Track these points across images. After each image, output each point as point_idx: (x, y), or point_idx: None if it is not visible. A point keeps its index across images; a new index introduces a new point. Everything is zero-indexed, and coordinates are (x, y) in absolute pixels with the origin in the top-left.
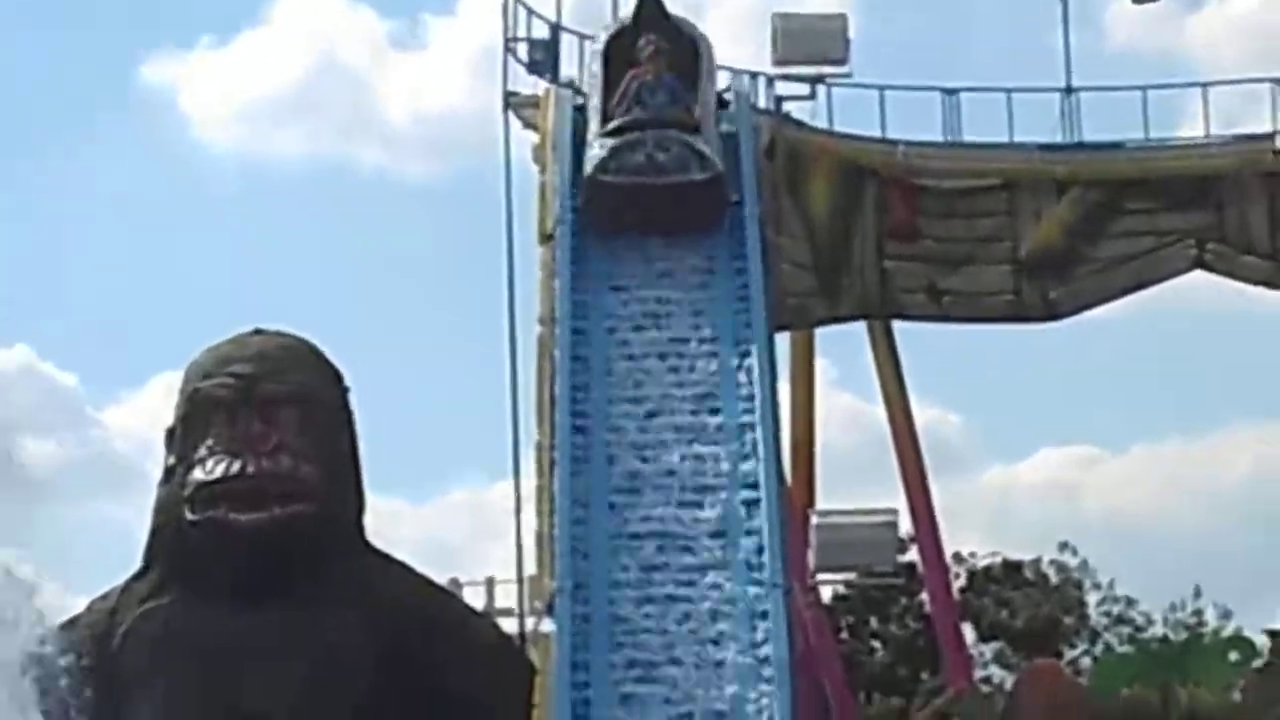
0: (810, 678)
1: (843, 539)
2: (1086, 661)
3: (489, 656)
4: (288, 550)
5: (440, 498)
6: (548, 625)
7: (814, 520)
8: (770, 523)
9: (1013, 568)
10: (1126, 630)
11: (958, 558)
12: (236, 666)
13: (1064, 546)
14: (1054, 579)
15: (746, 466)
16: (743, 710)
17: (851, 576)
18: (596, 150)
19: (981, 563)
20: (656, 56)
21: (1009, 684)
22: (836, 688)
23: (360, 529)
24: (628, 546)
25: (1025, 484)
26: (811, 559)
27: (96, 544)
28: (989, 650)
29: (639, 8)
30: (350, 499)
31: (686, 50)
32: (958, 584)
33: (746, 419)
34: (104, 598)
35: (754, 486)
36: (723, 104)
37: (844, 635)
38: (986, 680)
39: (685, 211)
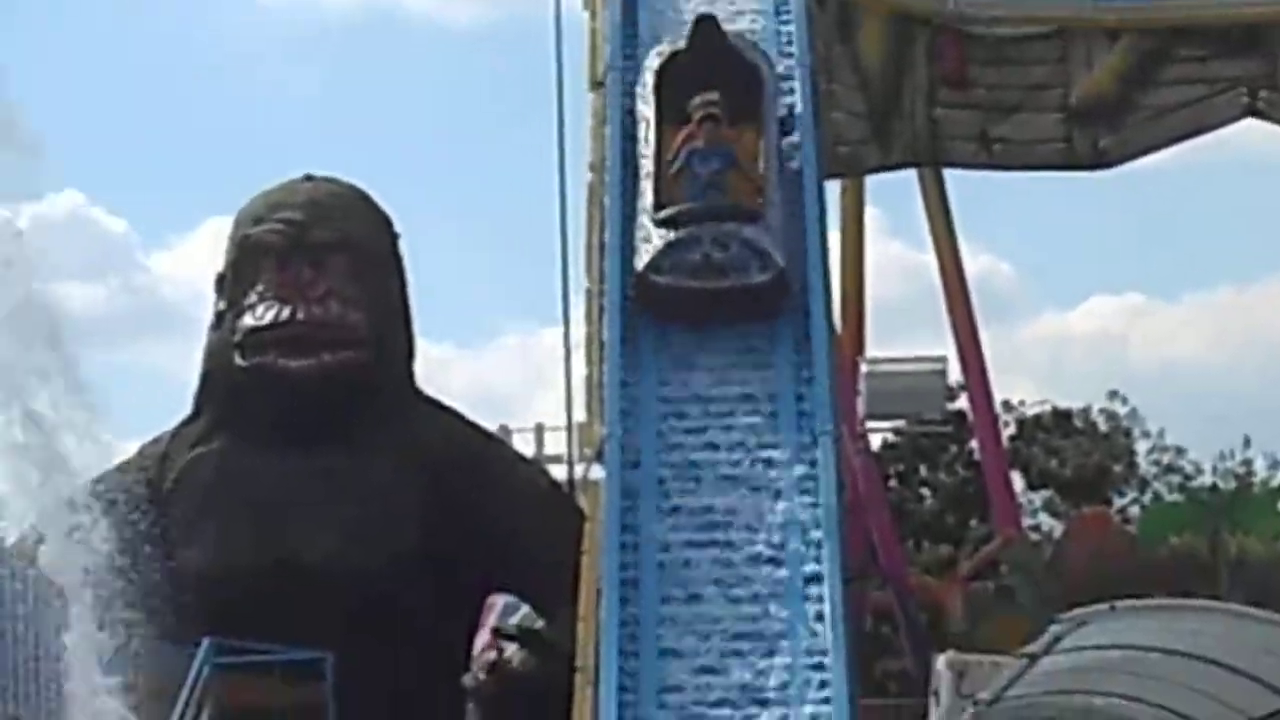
0: (859, 525)
1: (892, 387)
2: (1135, 510)
3: (538, 504)
4: (337, 397)
5: (490, 344)
6: (596, 472)
7: (863, 368)
8: (819, 370)
9: (1062, 416)
10: (1175, 479)
11: (1007, 406)
12: (285, 512)
13: (1114, 395)
14: (1103, 428)
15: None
16: (791, 556)
17: (901, 424)
18: (651, 241)
19: (1031, 411)
20: (709, 120)
21: (1057, 532)
22: (885, 535)
23: (410, 376)
24: (678, 397)
25: (1076, 333)
26: (861, 407)
27: (146, 390)
28: (1038, 498)
29: (694, 33)
30: (400, 346)
31: (745, 76)
32: (1007, 432)
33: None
34: (155, 442)
35: (804, 337)
36: (786, 126)
37: (893, 483)
38: (1035, 528)
39: (744, 310)
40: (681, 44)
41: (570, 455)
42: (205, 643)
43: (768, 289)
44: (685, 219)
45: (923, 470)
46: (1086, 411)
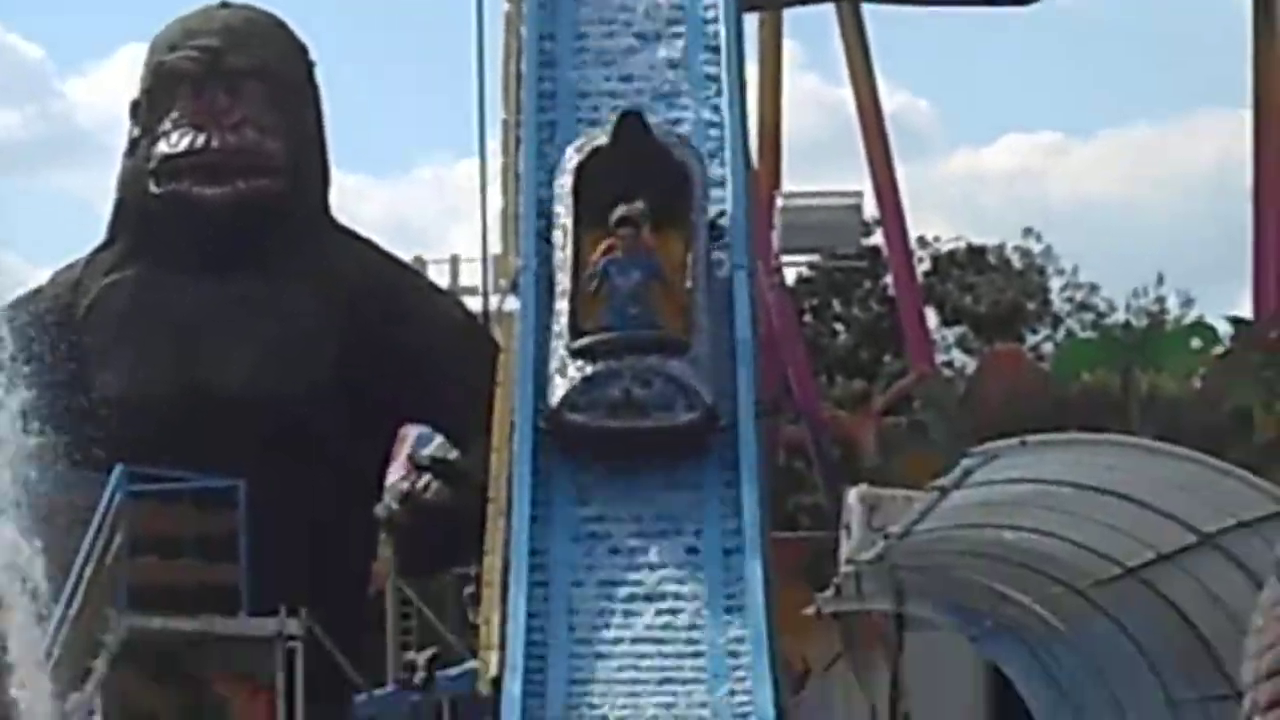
0: (773, 360)
1: (807, 221)
2: (1049, 347)
3: (453, 334)
4: (252, 224)
5: (405, 175)
6: (511, 303)
7: (779, 202)
8: (735, 205)
9: (977, 253)
10: (1089, 316)
11: (922, 242)
12: (199, 338)
13: (1028, 232)
14: (1018, 264)
15: (711, 147)
16: None
17: (815, 259)
18: (566, 373)
19: (946, 247)
20: (628, 225)
21: (971, 368)
22: (799, 370)
23: (325, 205)
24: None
25: (991, 169)
26: (776, 241)
27: (58, 216)
28: (951, 335)
29: (617, 126)
30: (315, 174)
31: (675, 175)
32: (921, 268)
33: (713, 101)
34: (68, 269)
35: (720, 168)
36: (716, 232)
37: (807, 318)
38: (949, 364)
39: (668, 450)
40: (603, 139)
41: (485, 287)
42: (117, 470)
43: (694, 428)
44: (604, 350)
45: (837, 305)
46: (1001, 248)
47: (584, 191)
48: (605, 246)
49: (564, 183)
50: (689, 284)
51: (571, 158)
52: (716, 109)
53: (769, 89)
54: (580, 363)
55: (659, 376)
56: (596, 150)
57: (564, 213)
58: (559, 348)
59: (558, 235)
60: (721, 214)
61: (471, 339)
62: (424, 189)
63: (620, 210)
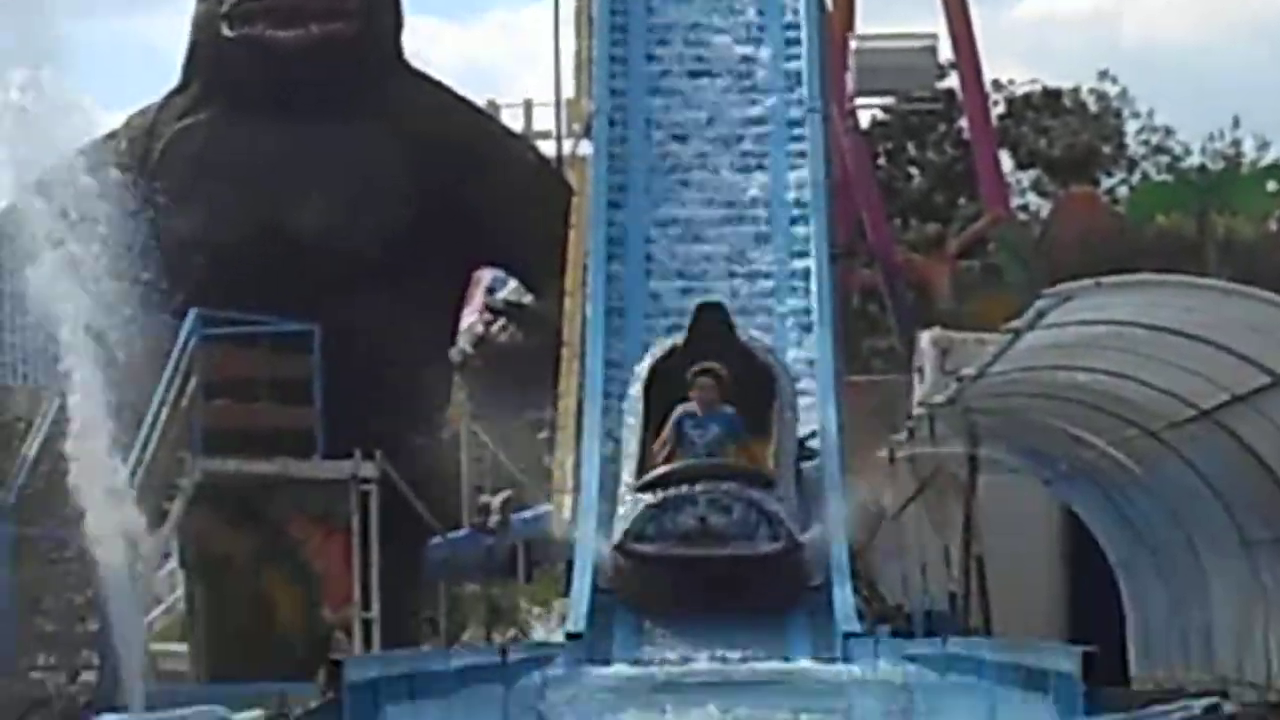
0: (847, 203)
1: (882, 63)
2: (1123, 190)
3: (527, 179)
4: (325, 68)
5: (477, 18)
6: (585, 147)
7: (853, 44)
8: (809, 46)
9: (1052, 95)
10: (1164, 160)
11: (997, 85)
12: (273, 181)
13: (1104, 75)
14: (1093, 108)
15: None
16: (779, 222)
17: (890, 101)
18: (627, 508)
19: (1020, 90)
20: (711, 387)
21: (1045, 212)
22: (873, 213)
23: (399, 49)
24: (665, 71)
25: (1066, 11)
26: (850, 83)
27: (130, 60)
28: (1026, 178)
29: (695, 320)
30: (388, 18)
31: (758, 381)
32: (996, 111)
33: None
34: (141, 113)
35: (794, 12)
36: (806, 453)
37: (881, 162)
38: (1023, 208)
39: (750, 592)
40: (678, 338)
41: (559, 131)
42: (191, 313)
43: (779, 561)
44: (674, 478)
45: (911, 149)
46: (1076, 91)
47: (656, 391)
48: (682, 407)
49: (633, 394)
50: (773, 468)
51: (643, 367)
52: None
53: None
54: (646, 496)
55: (738, 501)
56: (671, 351)
57: (636, 405)
58: (625, 493)
59: (626, 436)
60: (813, 434)
61: (545, 183)
62: (497, 32)
63: (699, 366)
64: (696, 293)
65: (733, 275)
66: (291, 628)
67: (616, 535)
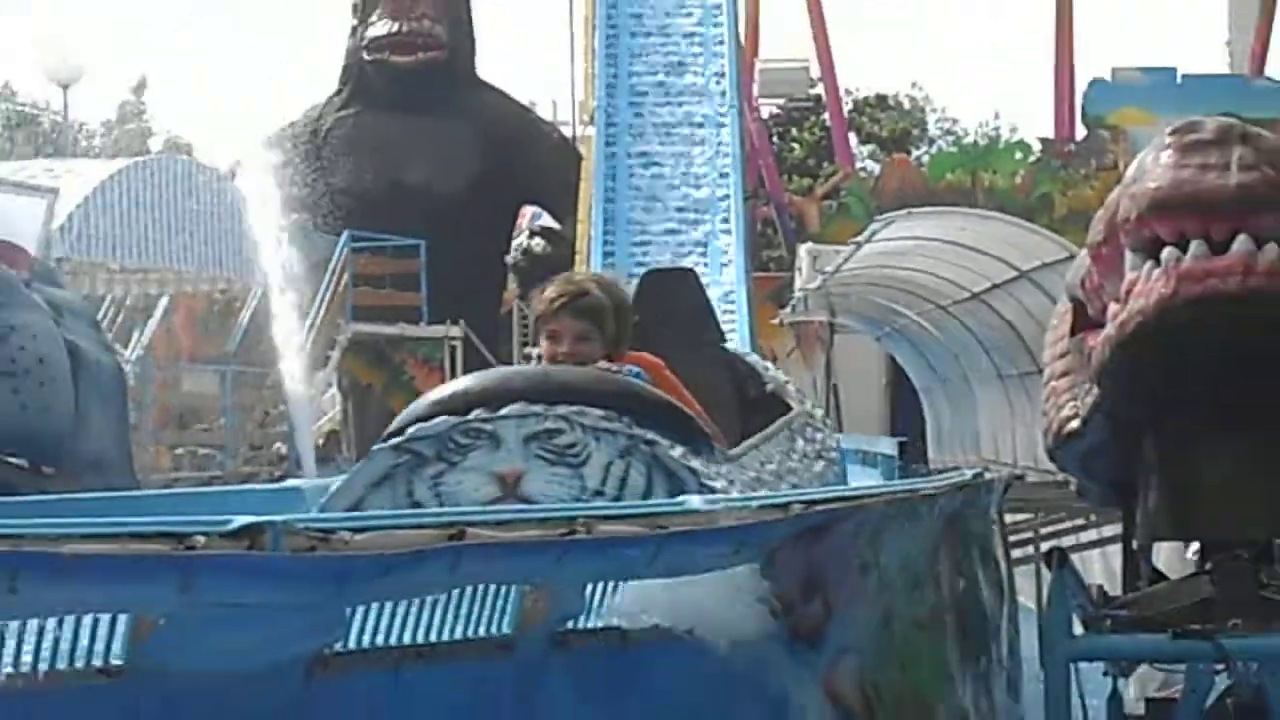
0: (754, 165)
1: (775, 78)
2: (926, 158)
3: (555, 150)
4: (427, 80)
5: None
6: (589, 130)
7: (758, 66)
8: (730, 68)
9: (881, 97)
10: (951, 138)
11: (847, 91)
12: (395, 153)
13: (914, 85)
14: (906, 105)
15: (717, 34)
16: (708, 183)
17: (780, 101)
18: None
19: (861, 95)
20: (585, 332)
21: (877, 171)
22: (769, 172)
23: (473, 67)
24: (640, 83)
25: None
26: (755, 90)
27: (311, 75)
28: (865, 150)
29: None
30: (467, 48)
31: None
32: (846, 108)
33: (715, 8)
34: (312, 109)
35: (719, 44)
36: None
37: (775, 140)
38: (863, 169)
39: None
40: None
41: (574, 119)
42: (344, 234)
43: None
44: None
45: (794, 131)
46: (897, 95)
47: None
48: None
49: None
50: None
51: None
52: (719, 9)
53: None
54: None
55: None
56: None
57: None
58: None
59: None
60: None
61: (566, 153)
62: (535, 54)
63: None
64: (656, 212)
65: (681, 210)
66: None
67: None
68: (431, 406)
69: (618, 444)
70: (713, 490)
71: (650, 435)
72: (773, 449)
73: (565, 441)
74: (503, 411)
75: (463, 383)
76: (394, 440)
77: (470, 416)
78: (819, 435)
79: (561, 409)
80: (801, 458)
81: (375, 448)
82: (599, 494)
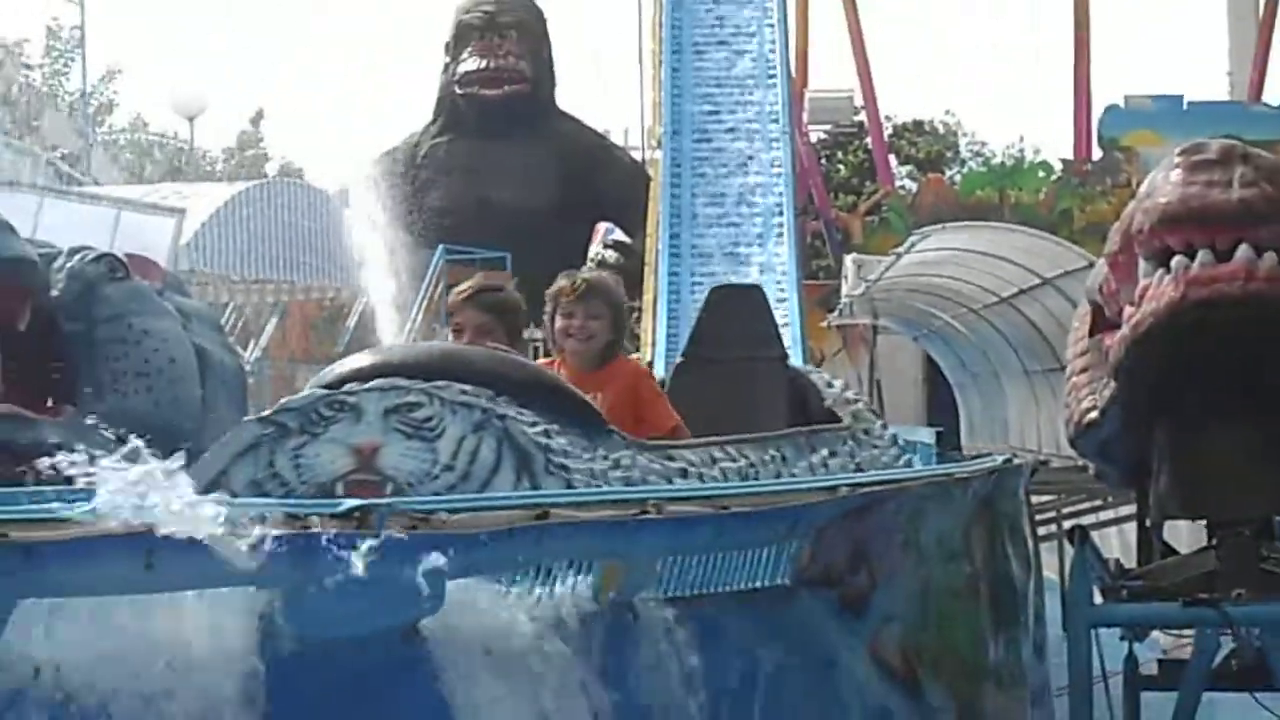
0: (804, 183)
1: (822, 106)
2: (958, 177)
3: (626, 171)
4: (513, 111)
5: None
6: (657, 154)
7: (807, 95)
8: (783, 97)
9: (918, 123)
10: (981, 159)
11: (887, 118)
12: (484, 175)
13: (947, 111)
14: (941, 131)
15: (771, 67)
16: (765, 200)
17: (828, 127)
18: None
19: (900, 120)
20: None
21: (914, 189)
22: (818, 190)
23: (553, 99)
24: (705, 111)
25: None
26: (805, 117)
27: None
28: (904, 170)
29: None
30: (548, 82)
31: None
32: (887, 132)
33: (770, 41)
34: (410, 136)
35: (771, 78)
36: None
37: (823, 161)
38: (902, 187)
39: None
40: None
41: (643, 145)
42: (439, 248)
43: None
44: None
45: (840, 154)
46: (932, 121)
47: None
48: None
49: None
50: None
51: None
52: (773, 45)
53: (801, 31)
54: None
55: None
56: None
57: None
58: None
59: None
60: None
61: (636, 174)
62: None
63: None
64: (715, 227)
65: (738, 225)
66: None
67: None
68: (336, 378)
69: (472, 418)
70: (565, 470)
71: (504, 410)
72: (761, 452)
73: (423, 415)
74: (368, 385)
75: (367, 357)
76: (263, 413)
77: (337, 391)
78: (857, 450)
79: (422, 383)
80: (810, 467)
81: (245, 419)
82: (449, 469)
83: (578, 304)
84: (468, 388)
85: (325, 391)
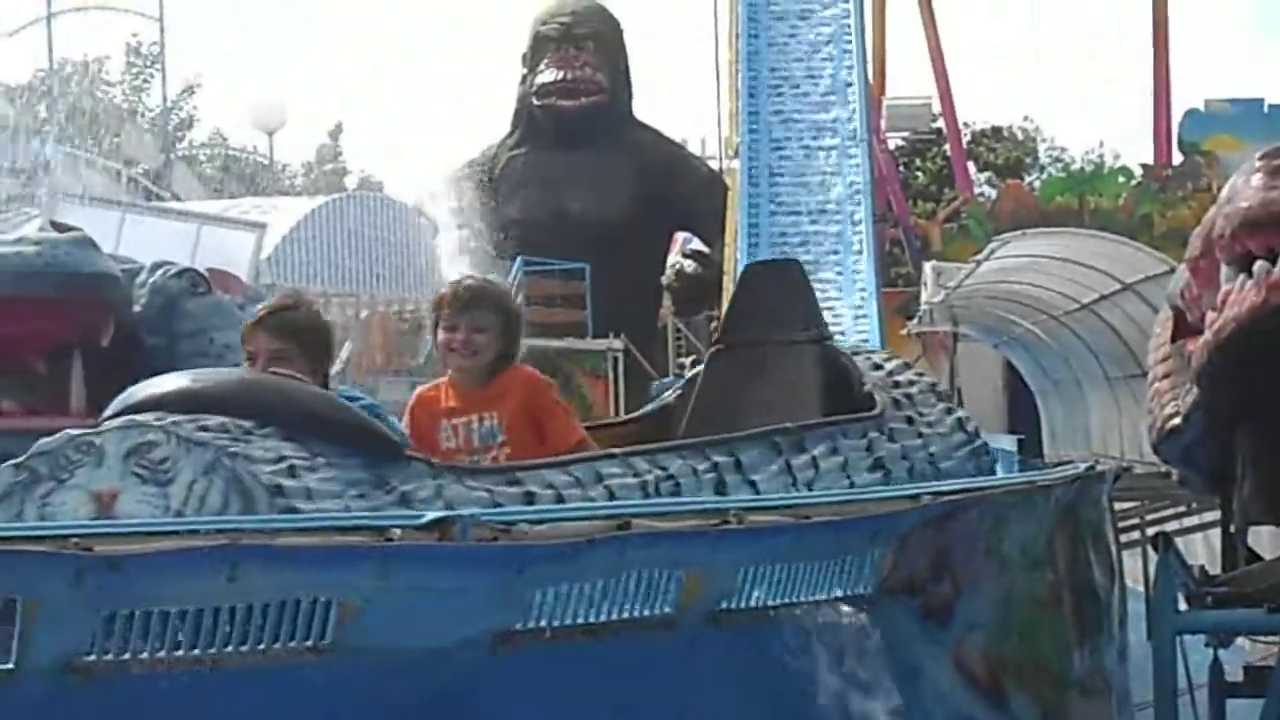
0: (883, 191)
1: (900, 113)
2: (1037, 183)
3: (703, 180)
4: (590, 122)
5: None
6: (735, 164)
7: (885, 102)
8: (860, 105)
9: (996, 129)
10: (1060, 164)
11: (965, 124)
12: (561, 186)
13: (1026, 119)
14: (1020, 137)
15: (848, 75)
16: (843, 207)
17: (906, 133)
18: None
19: (978, 127)
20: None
21: (994, 196)
22: (897, 197)
23: (630, 110)
24: (781, 121)
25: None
26: (883, 124)
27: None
28: (983, 177)
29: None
30: (625, 93)
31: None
32: (965, 139)
33: (847, 53)
34: (489, 148)
35: (849, 88)
36: None
37: (901, 168)
38: (981, 194)
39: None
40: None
41: (720, 154)
42: (519, 259)
43: None
44: None
45: (918, 161)
46: (1010, 127)
47: None
48: None
49: None
50: None
51: None
52: (850, 53)
53: (878, 39)
54: None
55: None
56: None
57: None
58: None
59: None
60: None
61: (713, 184)
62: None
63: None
64: (794, 234)
65: (817, 233)
66: None
67: None
68: (135, 403)
69: (204, 459)
70: (296, 512)
71: (239, 449)
72: (696, 460)
73: (159, 456)
74: (107, 425)
75: (161, 384)
76: (17, 459)
77: (82, 431)
78: (881, 442)
79: (157, 417)
80: (786, 470)
81: (1, 466)
82: (179, 515)
83: (460, 315)
84: (210, 421)
85: (77, 432)
